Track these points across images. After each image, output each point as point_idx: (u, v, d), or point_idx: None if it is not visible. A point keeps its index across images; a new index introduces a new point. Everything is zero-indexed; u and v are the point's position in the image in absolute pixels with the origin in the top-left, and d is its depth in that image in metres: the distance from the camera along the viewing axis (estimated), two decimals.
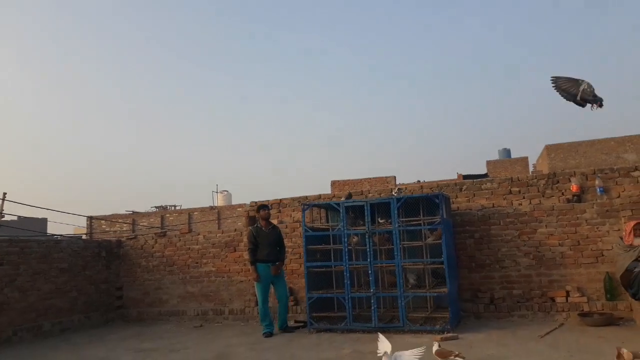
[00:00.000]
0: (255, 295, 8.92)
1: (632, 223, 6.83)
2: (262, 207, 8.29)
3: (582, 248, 7.49)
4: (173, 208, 34.85)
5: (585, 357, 5.18)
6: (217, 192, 34.74)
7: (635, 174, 7.73)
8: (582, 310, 7.19)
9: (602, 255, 7.37)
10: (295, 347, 6.64)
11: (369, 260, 7.35)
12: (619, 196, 7.66)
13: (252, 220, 9.85)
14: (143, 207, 44.32)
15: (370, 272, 7.35)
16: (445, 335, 6.52)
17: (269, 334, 7.55)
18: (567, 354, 5.34)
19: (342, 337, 7.00)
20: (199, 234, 10.17)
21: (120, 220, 31.25)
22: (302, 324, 7.97)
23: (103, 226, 31.65)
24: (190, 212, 30.21)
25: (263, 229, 8.02)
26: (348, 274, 7.45)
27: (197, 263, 9.80)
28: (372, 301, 7.29)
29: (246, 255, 9.32)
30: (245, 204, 10.73)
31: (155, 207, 35.22)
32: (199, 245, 9.85)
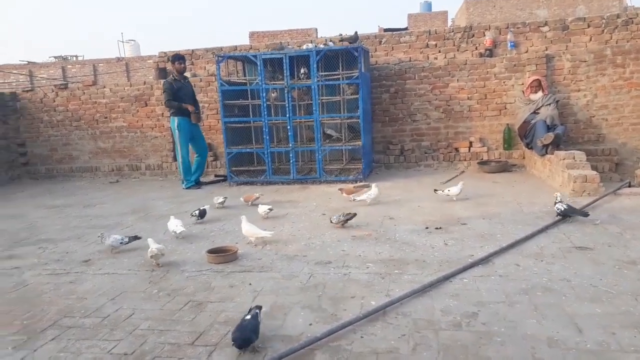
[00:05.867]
0: (173, 151, 8.78)
1: (532, 78, 7.25)
2: (177, 57, 7.65)
3: (488, 102, 7.93)
4: (75, 59, 31.69)
5: (479, 200, 5.79)
6: (123, 42, 31.77)
7: (544, 29, 7.98)
8: (482, 159, 7.87)
9: (505, 109, 7.88)
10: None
11: (287, 115, 7.31)
12: (527, 51, 7.97)
13: (161, 72, 9.24)
14: (39, 57, 39.90)
15: (289, 127, 7.36)
16: (358, 184, 6.93)
17: (195, 187, 7.60)
18: (463, 197, 5.92)
19: (262, 189, 7.21)
20: (104, 87, 9.44)
21: (14, 72, 28.05)
22: (222, 178, 8.07)
23: None
24: (95, 64, 27.66)
25: (181, 82, 7.57)
26: (267, 130, 7.42)
27: (106, 118, 9.25)
28: (291, 155, 7.44)
29: (159, 110, 8.95)
30: (155, 55, 9.89)
31: (54, 57, 31.81)
32: (106, 99, 9.20)
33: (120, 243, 4.43)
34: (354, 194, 5.95)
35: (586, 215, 4.57)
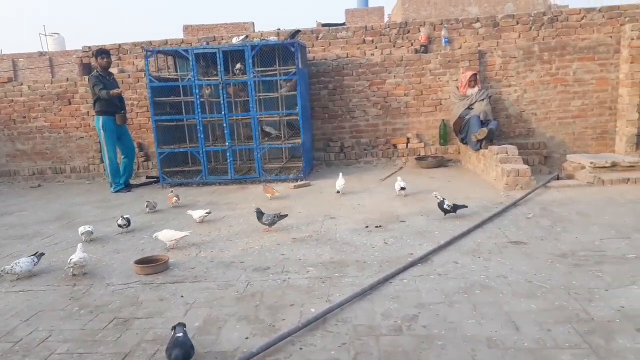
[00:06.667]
0: (100, 152, 8.26)
1: (468, 74, 7.40)
2: (101, 52, 7.14)
3: (424, 98, 8.02)
4: None
5: (417, 196, 5.82)
6: (46, 35, 29.80)
7: (476, 25, 8.16)
8: (419, 154, 7.96)
9: (441, 104, 8.01)
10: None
11: (223, 112, 7.04)
12: (460, 47, 8.13)
13: (86, 67, 8.66)
14: None
15: (225, 125, 7.10)
16: (299, 182, 6.80)
17: (124, 190, 7.16)
18: (401, 192, 5.93)
19: (198, 190, 6.92)
20: (21, 84, 8.70)
21: None
22: (154, 180, 7.67)
23: None
24: (14, 59, 25.76)
25: (107, 78, 7.08)
26: (202, 128, 7.11)
27: (24, 117, 8.55)
28: (228, 154, 7.18)
29: (84, 109, 8.40)
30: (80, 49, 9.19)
31: None
32: (24, 97, 8.50)
33: (34, 265, 3.88)
34: (271, 194, 6.02)
35: (465, 207, 4.78)
